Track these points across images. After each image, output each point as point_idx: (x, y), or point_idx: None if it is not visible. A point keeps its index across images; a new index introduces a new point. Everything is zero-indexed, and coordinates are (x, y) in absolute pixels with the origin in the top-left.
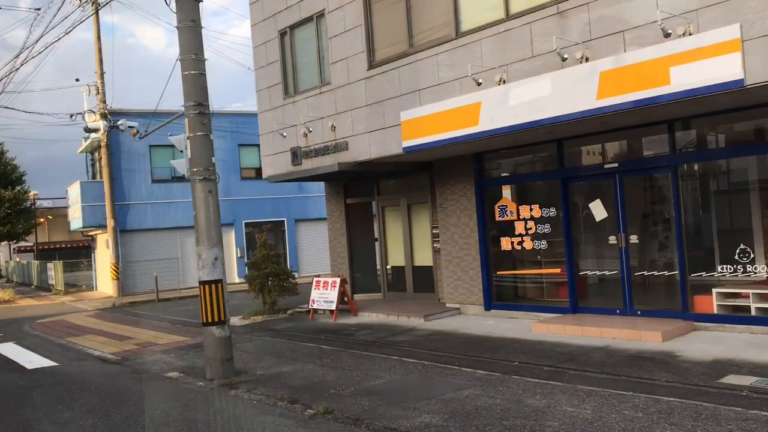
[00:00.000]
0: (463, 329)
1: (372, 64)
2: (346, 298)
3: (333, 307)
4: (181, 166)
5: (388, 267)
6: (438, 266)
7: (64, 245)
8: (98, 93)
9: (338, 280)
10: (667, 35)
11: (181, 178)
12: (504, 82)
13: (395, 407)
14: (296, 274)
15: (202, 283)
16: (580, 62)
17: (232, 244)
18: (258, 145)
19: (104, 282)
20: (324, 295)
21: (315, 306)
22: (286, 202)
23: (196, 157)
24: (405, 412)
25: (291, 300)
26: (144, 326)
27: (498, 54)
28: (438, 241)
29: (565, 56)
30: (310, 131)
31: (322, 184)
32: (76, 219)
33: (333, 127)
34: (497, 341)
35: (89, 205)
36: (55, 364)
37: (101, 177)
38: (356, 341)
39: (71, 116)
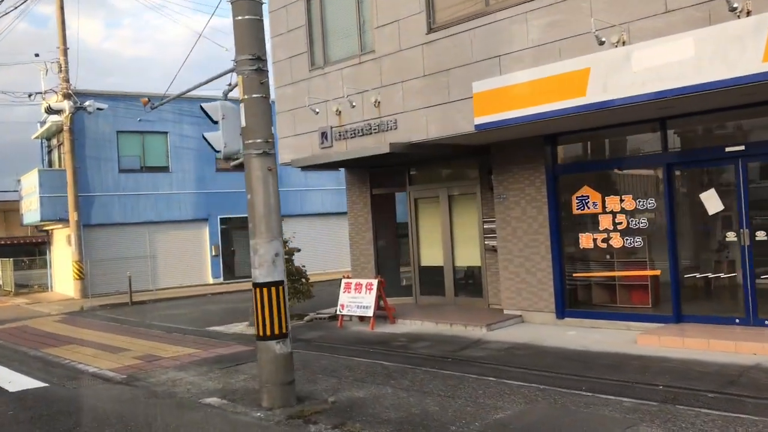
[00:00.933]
0: (544, 341)
1: (432, 27)
2: (383, 303)
3: (369, 313)
4: (217, 140)
5: (420, 267)
6: (488, 267)
7: (2, 242)
8: (60, 71)
9: (375, 281)
10: None
11: (152, 168)
12: (624, 43)
13: None
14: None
15: (259, 285)
16: (738, 16)
17: (206, 241)
18: None
19: (63, 282)
20: (356, 300)
21: (345, 312)
22: None
23: (253, 126)
24: None
25: (303, 305)
26: (132, 334)
27: (615, 10)
28: (493, 237)
29: (735, 5)
30: (354, 106)
31: (304, 176)
32: (31, 212)
33: (377, 103)
34: (606, 358)
35: (48, 196)
36: (44, 384)
37: (60, 165)
38: (420, 356)
39: (30, 95)
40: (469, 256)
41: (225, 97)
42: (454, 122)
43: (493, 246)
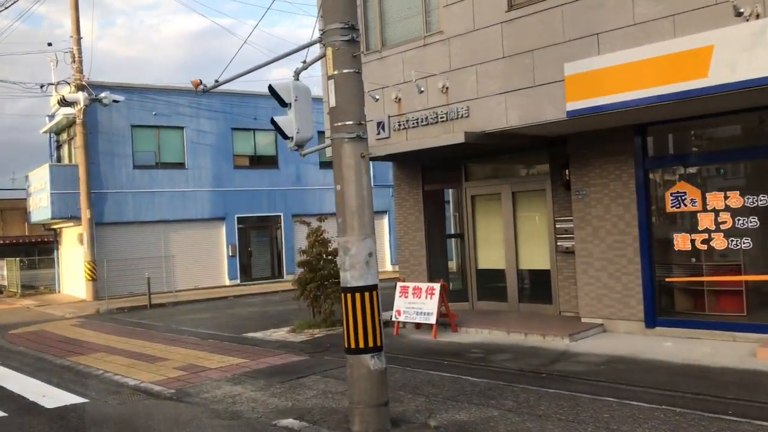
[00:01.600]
0: (643, 354)
1: (513, 4)
2: (445, 309)
3: (431, 320)
4: (288, 125)
5: (477, 270)
6: (560, 270)
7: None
8: (74, 61)
9: (437, 286)
10: None
11: (168, 165)
12: (758, 16)
13: None
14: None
15: (350, 290)
16: None
17: (223, 241)
18: (253, 130)
19: (72, 284)
20: (415, 305)
21: (402, 318)
22: (283, 194)
23: (344, 106)
24: None
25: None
26: (163, 341)
27: None
28: (567, 238)
29: None
30: (422, 91)
31: (323, 174)
32: (41, 209)
33: (444, 89)
34: (729, 374)
35: (60, 192)
36: (82, 399)
37: (70, 160)
38: (507, 371)
39: (42, 86)
40: (536, 258)
41: (296, 76)
42: (539, 108)
43: (567, 248)
